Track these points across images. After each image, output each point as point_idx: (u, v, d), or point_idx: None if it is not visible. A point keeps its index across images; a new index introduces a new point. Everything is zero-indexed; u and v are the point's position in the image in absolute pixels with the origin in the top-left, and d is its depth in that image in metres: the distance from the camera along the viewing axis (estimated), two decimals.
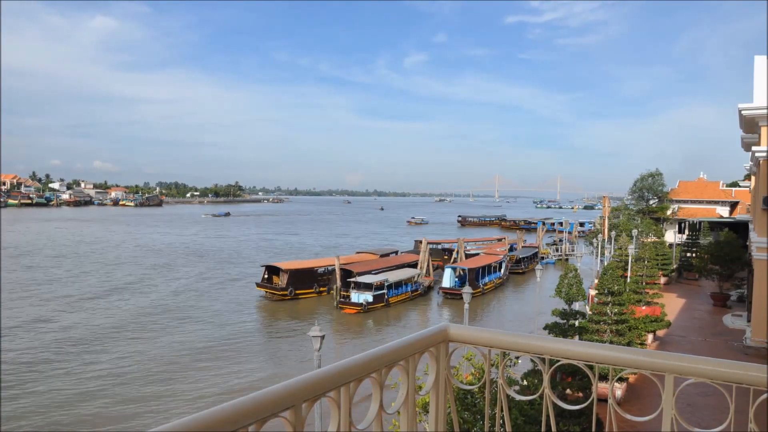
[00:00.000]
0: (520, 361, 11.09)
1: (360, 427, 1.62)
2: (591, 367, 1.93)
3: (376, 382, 1.73)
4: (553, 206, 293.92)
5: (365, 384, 1.69)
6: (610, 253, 41.31)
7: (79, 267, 53.23)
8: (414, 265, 48.19)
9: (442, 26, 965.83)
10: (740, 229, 41.92)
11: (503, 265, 52.72)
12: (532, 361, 2.83)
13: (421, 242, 55.05)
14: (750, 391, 1.71)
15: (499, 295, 47.58)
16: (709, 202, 56.70)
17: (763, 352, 19.34)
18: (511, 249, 63.61)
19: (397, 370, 1.88)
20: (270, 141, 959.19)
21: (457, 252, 56.30)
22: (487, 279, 47.34)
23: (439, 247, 62.02)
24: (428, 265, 50.06)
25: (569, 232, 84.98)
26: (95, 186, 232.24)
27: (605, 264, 33.79)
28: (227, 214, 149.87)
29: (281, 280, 41.96)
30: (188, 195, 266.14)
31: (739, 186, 61.36)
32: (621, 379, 15.98)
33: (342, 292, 40.11)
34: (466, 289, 19.91)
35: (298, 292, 41.91)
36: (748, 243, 28.73)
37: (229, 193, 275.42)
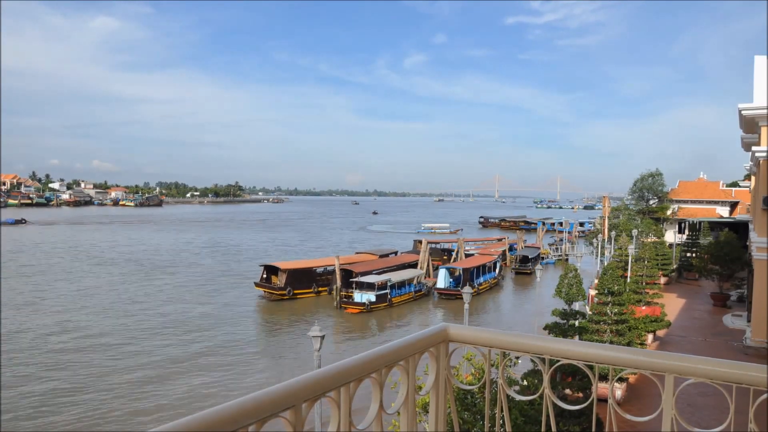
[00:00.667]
0: (520, 361, 11.09)
1: (360, 427, 1.62)
2: (591, 367, 1.93)
3: (376, 382, 1.73)
4: (553, 206, 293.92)
5: (365, 384, 1.69)
6: (610, 253, 41.32)
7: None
8: (414, 266, 48.19)
9: (442, 27, 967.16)
10: (740, 229, 41.95)
11: (498, 265, 52.67)
12: (532, 361, 2.83)
13: (420, 242, 55.11)
14: (750, 391, 1.71)
15: (494, 295, 47.55)
16: (709, 202, 56.72)
17: (763, 352, 19.34)
18: (511, 249, 63.57)
19: (397, 370, 1.88)
20: (270, 141, 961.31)
21: (457, 252, 56.30)
22: (481, 279, 47.30)
23: (439, 247, 62.01)
24: (428, 266, 50.08)
25: (569, 232, 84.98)
26: (95, 186, 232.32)
27: (605, 264, 33.80)
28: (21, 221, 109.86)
29: (279, 280, 41.96)
30: (188, 195, 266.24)
31: (739, 186, 61.38)
32: (621, 379, 15.98)
33: (343, 292, 40.11)
34: (466, 289, 19.91)
35: (296, 292, 41.89)
36: (748, 243, 28.73)
37: (229, 193, 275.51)
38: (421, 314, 40.00)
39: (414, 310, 40.79)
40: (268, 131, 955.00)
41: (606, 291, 17.17)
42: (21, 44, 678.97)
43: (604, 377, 10.74)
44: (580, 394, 13.43)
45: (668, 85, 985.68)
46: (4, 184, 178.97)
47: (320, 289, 43.36)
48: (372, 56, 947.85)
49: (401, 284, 41.70)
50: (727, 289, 33.39)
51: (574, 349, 1.96)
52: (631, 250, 31.03)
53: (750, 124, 21.15)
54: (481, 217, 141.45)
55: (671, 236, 52.80)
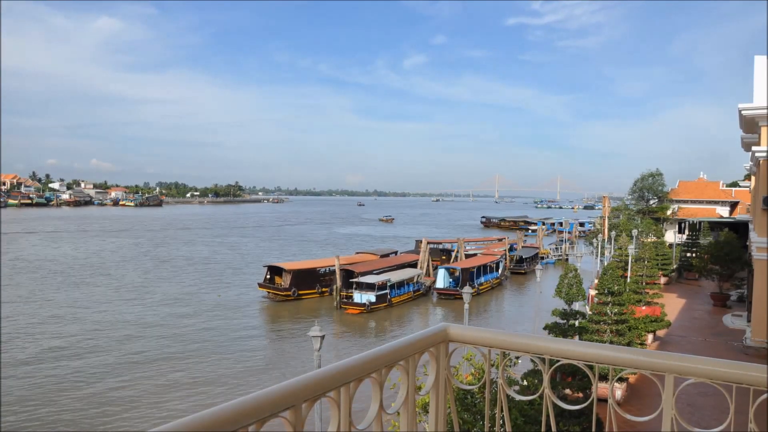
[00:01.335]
0: (520, 361, 11.09)
1: (360, 427, 1.62)
2: (591, 367, 1.93)
3: (376, 382, 1.73)
4: (553, 206, 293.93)
5: (365, 384, 1.69)
6: (610, 253, 41.31)
7: None
8: (414, 265, 48.20)
9: (442, 28, 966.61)
10: (740, 229, 41.93)
11: (500, 265, 52.67)
12: (532, 361, 2.83)
13: (420, 242, 55.08)
14: (750, 391, 1.71)
15: (496, 295, 47.55)
16: (709, 202, 56.72)
17: (763, 352, 19.34)
18: (511, 249, 63.60)
19: (397, 370, 1.88)
20: (270, 141, 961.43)
21: (457, 252, 56.30)
22: (482, 279, 47.25)
23: (439, 247, 62.02)
24: (428, 265, 50.08)
25: (569, 232, 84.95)
26: (95, 186, 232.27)
27: (605, 264, 33.79)
28: None
29: (284, 281, 41.95)
30: (188, 195, 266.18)
31: (739, 186, 61.38)
32: (621, 379, 15.98)
33: (343, 293, 40.10)
34: (466, 289, 19.90)
35: (300, 292, 41.91)
36: (748, 243, 28.72)
37: (229, 193, 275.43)
38: (421, 314, 40.00)
39: (414, 310, 40.81)
40: (269, 131, 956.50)
41: (606, 291, 17.17)
42: (23, 45, 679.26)
43: (604, 377, 10.74)
44: (580, 394, 13.42)
45: (666, 85, 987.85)
46: (4, 184, 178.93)
47: (323, 289, 43.37)
48: (372, 57, 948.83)
49: (400, 284, 41.71)
50: (727, 289, 33.38)
51: (574, 349, 1.96)
52: (631, 250, 31.02)
53: (750, 124, 21.15)
54: (483, 217, 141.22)
55: (671, 236, 52.80)
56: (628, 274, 28.64)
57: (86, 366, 25.09)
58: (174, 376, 24.19)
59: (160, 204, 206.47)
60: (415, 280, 43.96)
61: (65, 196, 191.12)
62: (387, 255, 54.34)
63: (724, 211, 55.45)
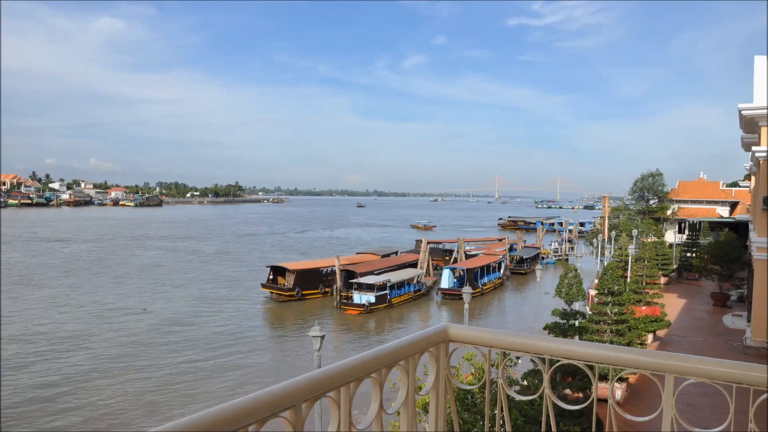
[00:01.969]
0: (520, 361, 11.10)
1: (360, 427, 1.62)
2: (591, 367, 1.93)
3: (376, 382, 1.72)
4: (553, 206, 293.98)
5: (365, 384, 1.69)
6: (610, 253, 41.31)
7: None
8: (414, 265, 48.19)
9: (442, 28, 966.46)
10: (740, 229, 41.92)
11: (502, 266, 52.71)
12: (532, 361, 2.82)
13: (421, 242, 55.09)
14: (750, 391, 1.71)
15: (498, 295, 47.58)
16: (709, 202, 56.72)
17: (763, 352, 19.34)
18: (511, 249, 63.59)
19: (397, 370, 1.88)
20: (270, 141, 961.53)
21: (458, 252, 56.32)
22: (486, 279, 47.33)
23: (440, 247, 62.02)
24: (428, 265, 50.08)
25: (569, 232, 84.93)
26: (95, 186, 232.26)
27: (605, 264, 33.79)
28: None
29: (288, 281, 41.96)
30: (188, 195, 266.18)
31: (739, 186, 61.38)
32: (621, 379, 15.98)
33: (343, 293, 40.08)
34: (466, 290, 19.91)
35: (304, 292, 41.92)
36: (748, 243, 28.72)
37: (229, 193, 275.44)
38: (422, 314, 40.00)
39: (414, 310, 40.80)
40: (269, 131, 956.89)
41: (606, 291, 17.17)
42: (24, 45, 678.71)
43: (604, 377, 10.74)
44: (580, 394, 13.43)
45: (665, 86, 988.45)
46: (4, 184, 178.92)
47: (326, 289, 43.36)
48: (372, 57, 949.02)
49: (401, 284, 41.70)
50: (727, 289, 33.38)
51: (574, 349, 1.95)
52: (631, 250, 31.03)
53: (750, 124, 21.15)
54: (501, 218, 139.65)
55: (671, 236, 52.81)
56: (628, 274, 28.65)
57: (85, 361, 25.11)
58: (174, 375, 24.20)
59: (160, 204, 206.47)
60: (415, 281, 43.95)
61: (65, 196, 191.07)
62: (388, 255, 54.35)
63: (724, 211, 55.45)
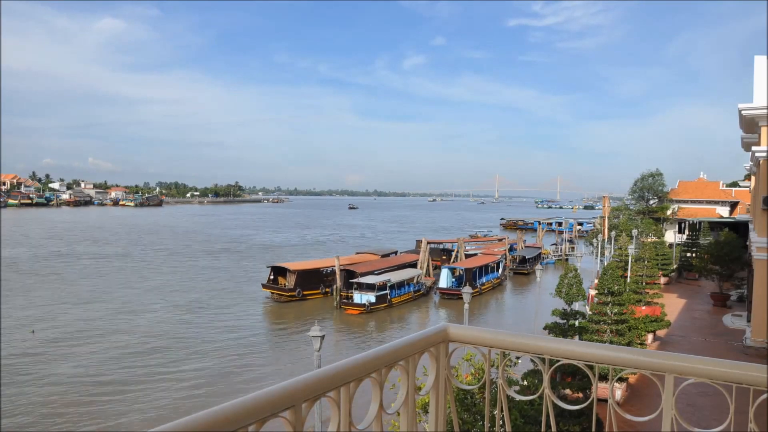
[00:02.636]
0: (520, 361, 11.10)
1: (360, 427, 1.62)
2: (591, 367, 1.93)
3: (376, 382, 1.72)
4: (553, 206, 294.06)
5: (365, 384, 1.69)
6: (610, 253, 41.31)
7: None
8: (414, 265, 48.18)
9: (442, 29, 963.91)
10: (740, 229, 41.93)
11: (501, 265, 52.70)
12: (532, 361, 2.82)
13: (421, 242, 55.10)
14: (750, 391, 1.71)
15: (497, 295, 47.56)
16: (709, 202, 56.73)
17: (763, 352, 19.34)
18: (511, 249, 63.59)
19: (397, 370, 1.88)
20: (270, 141, 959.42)
21: (457, 252, 56.32)
22: (484, 279, 47.31)
23: (440, 247, 62.02)
24: (428, 265, 50.07)
25: (569, 232, 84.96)
26: (95, 186, 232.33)
27: (605, 264, 33.80)
28: None
29: (288, 281, 41.96)
30: (188, 195, 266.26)
31: (739, 186, 61.38)
32: (621, 379, 15.99)
33: (343, 293, 40.08)
34: (466, 289, 19.90)
35: (305, 292, 41.92)
36: (748, 243, 28.72)
37: (229, 193, 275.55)
38: (422, 314, 40.01)
39: (414, 310, 40.82)
40: (269, 131, 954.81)
41: (606, 291, 17.17)
42: (25, 45, 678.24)
43: (604, 377, 10.74)
44: (580, 394, 13.43)
45: (665, 86, 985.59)
46: (4, 184, 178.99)
47: (327, 289, 43.36)
48: (372, 57, 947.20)
49: (400, 284, 41.71)
50: (727, 289, 33.39)
51: (574, 349, 1.95)
52: (631, 250, 31.03)
53: (750, 124, 21.16)
54: (503, 219, 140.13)
55: (671, 236, 52.81)
56: (628, 274, 28.64)
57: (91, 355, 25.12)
58: (174, 376, 24.21)
59: (160, 204, 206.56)
60: (415, 281, 43.95)
61: (65, 196, 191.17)
62: (387, 255, 54.34)
63: (724, 211, 55.45)
